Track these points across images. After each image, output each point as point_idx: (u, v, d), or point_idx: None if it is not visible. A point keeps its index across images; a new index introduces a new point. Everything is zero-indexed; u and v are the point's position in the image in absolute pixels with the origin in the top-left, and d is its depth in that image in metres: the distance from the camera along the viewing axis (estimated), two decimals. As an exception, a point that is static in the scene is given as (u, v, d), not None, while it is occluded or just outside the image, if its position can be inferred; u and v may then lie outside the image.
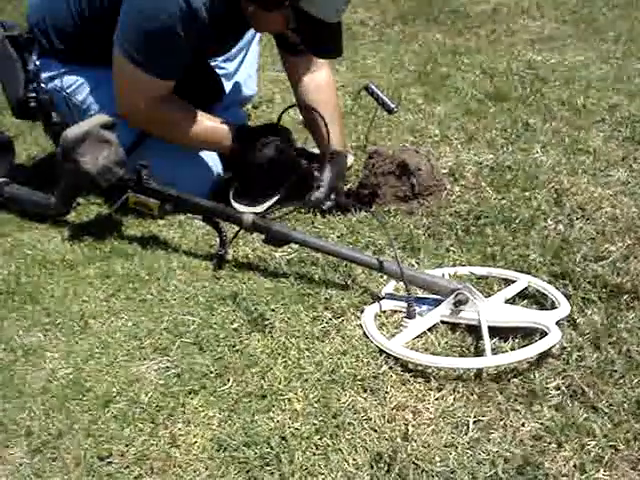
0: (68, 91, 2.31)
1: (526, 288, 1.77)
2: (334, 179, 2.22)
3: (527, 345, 1.55)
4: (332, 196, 2.20)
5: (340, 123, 2.42)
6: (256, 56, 2.75)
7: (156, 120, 2.18)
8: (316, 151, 2.39)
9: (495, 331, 1.61)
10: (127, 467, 1.37)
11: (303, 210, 2.20)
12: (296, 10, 1.97)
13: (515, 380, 1.50)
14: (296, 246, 1.96)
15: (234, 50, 2.55)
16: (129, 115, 2.16)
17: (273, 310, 1.74)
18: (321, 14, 1.97)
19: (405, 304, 1.70)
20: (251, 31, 2.43)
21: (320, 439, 1.39)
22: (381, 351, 1.59)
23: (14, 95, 2.30)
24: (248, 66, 2.71)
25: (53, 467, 1.39)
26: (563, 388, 1.47)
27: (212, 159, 2.32)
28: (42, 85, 2.29)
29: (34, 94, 2.29)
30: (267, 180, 2.22)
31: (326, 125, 2.19)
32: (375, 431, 1.40)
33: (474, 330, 1.63)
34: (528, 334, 1.61)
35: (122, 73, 2.11)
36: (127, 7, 2.05)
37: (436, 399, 1.47)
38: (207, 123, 2.21)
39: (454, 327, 1.66)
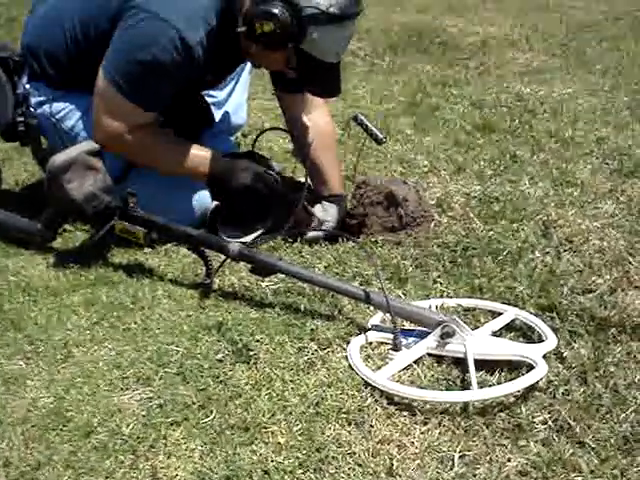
0: (57, 117, 2.29)
1: (513, 320, 1.76)
2: (338, 222, 2.27)
3: (514, 379, 1.54)
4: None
5: (339, 167, 2.47)
6: (246, 85, 2.76)
7: (132, 146, 2.15)
8: (302, 179, 2.40)
9: (481, 364, 1.60)
10: (107, 500, 1.35)
11: (290, 239, 2.19)
12: (298, 51, 1.98)
13: (501, 414, 1.49)
14: (282, 276, 1.95)
15: (225, 79, 2.56)
16: (104, 139, 2.13)
17: (258, 341, 1.72)
18: (322, 55, 1.99)
19: (391, 336, 1.69)
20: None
21: (303, 473, 1.37)
22: (366, 384, 1.58)
23: (2, 118, 2.28)
24: (238, 95, 2.72)
25: (31, 499, 1.36)
26: (550, 423, 1.46)
27: (201, 189, 2.30)
28: (31, 109, 2.28)
29: (22, 118, 2.27)
30: (248, 207, 2.22)
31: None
32: (359, 465, 1.38)
33: (460, 363, 1.62)
34: (515, 367, 1.60)
35: (104, 97, 2.10)
36: (120, 33, 2.05)
37: (421, 433, 1.46)
38: (183, 149, 2.18)
39: (440, 360, 1.65)
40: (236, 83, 2.69)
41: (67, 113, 2.29)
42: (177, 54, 1.99)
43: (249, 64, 2.64)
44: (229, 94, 2.67)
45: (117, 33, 2.05)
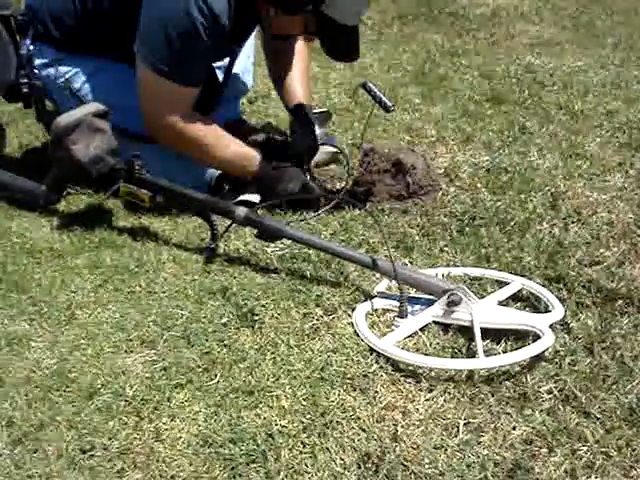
0: (63, 79, 2.26)
1: (520, 291, 1.75)
2: (313, 125, 2.32)
3: (520, 348, 1.53)
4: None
5: (308, 82, 2.54)
6: (252, 49, 2.72)
7: (185, 140, 2.13)
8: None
9: (488, 333, 1.59)
10: (110, 460, 1.35)
11: (297, 207, 2.18)
12: (317, 14, 1.95)
13: (507, 383, 1.48)
14: (288, 242, 1.94)
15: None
16: (157, 132, 2.13)
17: (263, 306, 1.71)
18: (342, 18, 1.95)
19: (397, 303, 1.68)
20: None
21: (308, 437, 1.37)
22: (372, 350, 1.57)
23: (4, 79, 2.25)
24: (244, 59, 2.68)
25: (34, 459, 1.36)
26: (555, 392, 1.46)
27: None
28: (35, 71, 2.25)
29: (26, 80, 2.24)
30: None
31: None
32: (364, 431, 1.38)
33: (466, 331, 1.61)
34: (521, 337, 1.59)
35: (147, 86, 2.07)
36: (146, 13, 2.01)
37: (426, 400, 1.45)
38: (235, 148, 2.18)
39: (446, 328, 1.65)
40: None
41: (73, 75, 2.27)
42: (207, 22, 1.94)
43: (255, 29, 2.60)
44: (234, 58, 2.64)
45: (143, 13, 2.00)
